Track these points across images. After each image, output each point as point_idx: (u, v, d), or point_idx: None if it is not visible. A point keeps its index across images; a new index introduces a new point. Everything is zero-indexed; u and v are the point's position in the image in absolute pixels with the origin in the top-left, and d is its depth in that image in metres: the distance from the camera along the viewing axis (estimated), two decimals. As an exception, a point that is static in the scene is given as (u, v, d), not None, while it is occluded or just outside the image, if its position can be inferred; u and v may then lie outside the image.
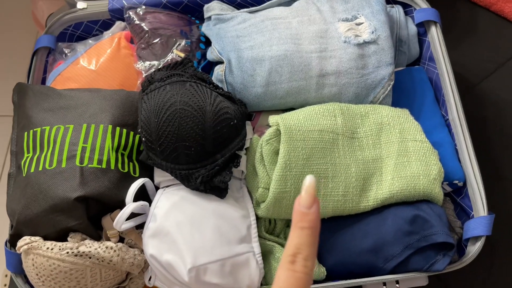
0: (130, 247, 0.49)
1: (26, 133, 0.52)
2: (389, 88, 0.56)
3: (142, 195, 0.51)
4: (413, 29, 0.63)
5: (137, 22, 0.60)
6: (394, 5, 0.64)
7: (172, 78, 0.51)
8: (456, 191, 0.57)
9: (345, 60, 0.55)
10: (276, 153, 0.51)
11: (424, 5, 0.63)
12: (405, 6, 0.65)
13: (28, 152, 0.51)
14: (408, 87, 0.60)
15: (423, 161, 0.52)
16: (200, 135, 0.48)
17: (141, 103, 0.51)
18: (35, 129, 0.51)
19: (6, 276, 0.96)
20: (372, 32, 0.56)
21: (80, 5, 0.63)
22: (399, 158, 0.52)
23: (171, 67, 0.54)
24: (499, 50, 0.74)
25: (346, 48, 0.55)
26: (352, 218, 0.52)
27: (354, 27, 0.57)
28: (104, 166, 0.49)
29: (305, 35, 0.56)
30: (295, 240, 0.27)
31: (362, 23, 0.57)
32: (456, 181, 0.55)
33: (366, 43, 0.55)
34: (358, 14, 0.58)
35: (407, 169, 0.52)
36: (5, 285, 0.97)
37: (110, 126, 0.51)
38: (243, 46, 0.56)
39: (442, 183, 0.54)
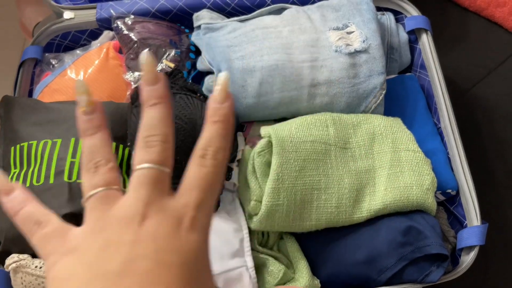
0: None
1: (13, 148, 0.51)
2: (381, 97, 0.55)
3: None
4: (404, 36, 0.63)
5: (125, 32, 0.59)
6: (385, 12, 0.64)
7: (161, 91, 0.51)
8: (449, 199, 0.57)
9: (336, 69, 0.54)
10: (268, 165, 0.50)
11: (415, 13, 0.63)
12: (396, 13, 0.65)
13: (15, 168, 0.50)
14: (400, 95, 0.60)
15: (416, 171, 0.52)
16: (191, 149, 0.47)
17: (131, 116, 0.50)
18: (22, 144, 0.50)
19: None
20: (363, 41, 0.55)
21: (67, 15, 0.62)
22: (392, 168, 0.52)
23: (161, 79, 0.53)
24: (491, 55, 0.74)
25: (337, 57, 0.55)
26: (346, 229, 0.51)
27: (345, 36, 0.56)
28: (93, 181, 0.48)
29: (296, 44, 0.56)
30: (206, 134, 0.26)
31: (353, 31, 0.57)
32: (449, 190, 0.55)
33: (357, 52, 0.55)
34: (349, 22, 0.57)
35: (400, 180, 0.51)
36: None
37: (99, 140, 0.50)
38: (234, 56, 0.56)
39: (435, 193, 0.54)
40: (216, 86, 0.27)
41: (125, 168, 0.52)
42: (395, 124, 0.54)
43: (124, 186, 0.51)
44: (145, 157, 0.25)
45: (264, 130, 0.52)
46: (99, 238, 0.23)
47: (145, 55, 0.26)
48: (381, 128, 0.54)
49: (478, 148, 0.68)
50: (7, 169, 0.51)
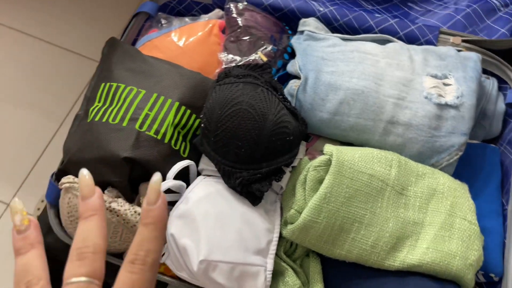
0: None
1: (103, 84, 0.56)
2: (455, 158, 0.53)
3: (183, 175, 0.53)
4: (501, 107, 0.60)
5: (234, 15, 0.62)
6: (490, 77, 0.62)
7: (247, 78, 0.53)
8: (489, 284, 0.53)
9: (420, 115, 0.53)
10: (320, 182, 0.50)
11: (522, 87, 0.60)
12: (501, 81, 0.62)
13: (99, 102, 0.55)
14: (476, 163, 0.58)
15: (465, 242, 0.49)
16: (254, 140, 0.49)
17: (212, 92, 0.52)
18: (111, 83, 0.55)
19: (42, 201, 1.03)
20: (458, 97, 0.54)
21: (189, -16, 0.66)
22: (441, 230, 0.50)
23: (250, 68, 0.55)
24: None
25: (424, 104, 0.54)
26: (373, 271, 0.50)
27: (440, 86, 0.55)
28: (159, 137, 0.51)
29: (388, 78, 0.55)
30: (138, 237, 0.27)
31: (451, 84, 0.55)
32: (492, 275, 0.51)
33: (447, 105, 0.53)
34: (449, 74, 0.56)
35: (446, 245, 0.49)
36: (38, 209, 1.04)
37: (176, 103, 0.53)
38: (325, 69, 0.56)
39: (477, 272, 0.51)
40: (148, 188, 0.28)
41: (190, 136, 0.55)
42: (460, 190, 0.52)
43: (184, 152, 0.54)
44: (75, 270, 0.26)
45: (328, 147, 0.52)
46: None
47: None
48: (445, 187, 0.52)
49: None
50: (91, 100, 0.56)
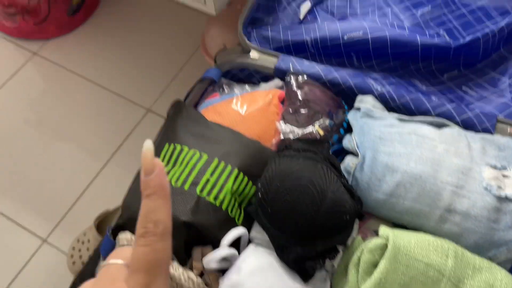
0: (206, 284, 0.51)
1: (167, 144, 0.58)
2: (514, 254, 0.52)
3: (234, 242, 0.53)
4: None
5: (294, 88, 0.65)
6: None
7: (307, 153, 0.54)
8: None
9: (478, 206, 0.53)
10: (375, 265, 0.50)
11: None
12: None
13: (162, 161, 0.57)
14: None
15: None
16: (312, 216, 0.49)
17: (272, 162, 0.54)
18: (176, 144, 0.57)
19: (78, 241, 1.05)
20: (518, 191, 0.53)
21: (253, 54, 0.70)
22: (499, 331, 0.48)
23: (310, 142, 0.57)
24: None
25: (484, 195, 0.53)
26: None
27: (500, 178, 0.55)
28: (218, 204, 0.52)
29: (446, 164, 0.56)
30: (143, 209, 0.26)
31: (510, 177, 0.55)
32: None
33: (507, 199, 0.53)
34: (510, 166, 0.56)
35: None
36: (73, 248, 1.05)
37: (236, 170, 0.55)
38: (382, 149, 0.57)
39: None
40: (142, 158, 0.27)
41: (245, 203, 0.56)
42: (520, 288, 0.50)
43: (239, 219, 0.55)
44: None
45: (384, 231, 0.52)
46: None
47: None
48: (502, 284, 0.50)
49: None
50: (154, 159, 0.58)
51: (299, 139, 0.57)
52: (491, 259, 0.53)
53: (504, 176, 0.55)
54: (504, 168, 0.56)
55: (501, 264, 0.53)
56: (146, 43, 1.35)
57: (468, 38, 0.71)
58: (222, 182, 0.54)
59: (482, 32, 0.71)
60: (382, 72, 0.75)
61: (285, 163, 0.53)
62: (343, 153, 0.62)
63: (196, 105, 0.68)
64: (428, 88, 0.73)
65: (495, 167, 0.56)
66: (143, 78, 1.30)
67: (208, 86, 0.69)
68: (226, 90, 0.69)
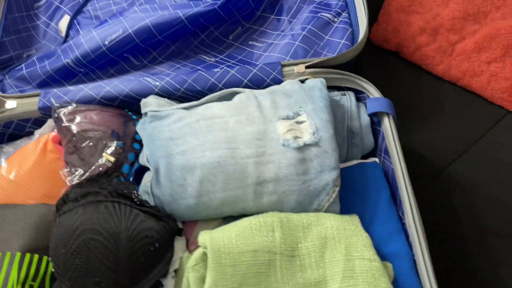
0: None
1: None
2: (334, 195, 0.50)
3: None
4: (365, 119, 0.58)
5: (64, 123, 0.56)
6: (346, 92, 0.60)
7: (87, 198, 0.46)
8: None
9: (284, 165, 0.50)
10: (204, 280, 0.45)
11: (377, 94, 0.58)
12: (358, 92, 0.60)
13: None
14: (361, 186, 0.55)
15: (371, 283, 0.46)
16: (111, 269, 0.42)
17: (53, 227, 0.45)
18: None
19: None
20: (314, 133, 0.51)
21: (9, 104, 0.59)
22: (345, 280, 0.46)
23: (92, 180, 0.49)
24: (468, 128, 0.69)
25: (285, 152, 0.50)
26: None
27: (295, 127, 0.52)
28: (4, 306, 0.43)
29: (241, 137, 0.51)
30: None
31: (304, 121, 0.52)
32: (414, 300, 0.48)
33: (306, 145, 0.50)
34: (301, 110, 0.53)
35: (354, 294, 0.45)
36: None
37: (18, 254, 0.46)
38: (175, 150, 0.51)
39: (399, 304, 0.48)
40: None
41: (48, 283, 0.48)
42: (350, 226, 0.49)
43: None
44: None
45: (202, 237, 0.47)
46: None
47: None
48: (334, 231, 0.48)
49: (455, 233, 0.61)
50: None
51: (78, 184, 0.49)
52: (317, 210, 0.51)
53: (298, 123, 0.52)
54: (297, 114, 0.53)
55: (329, 210, 0.51)
56: None
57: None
58: (3, 277, 0.44)
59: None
60: (168, 61, 0.69)
61: (64, 222, 0.45)
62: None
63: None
64: (217, 58, 0.69)
65: (288, 118, 0.53)
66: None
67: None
68: (-6, 158, 0.58)
